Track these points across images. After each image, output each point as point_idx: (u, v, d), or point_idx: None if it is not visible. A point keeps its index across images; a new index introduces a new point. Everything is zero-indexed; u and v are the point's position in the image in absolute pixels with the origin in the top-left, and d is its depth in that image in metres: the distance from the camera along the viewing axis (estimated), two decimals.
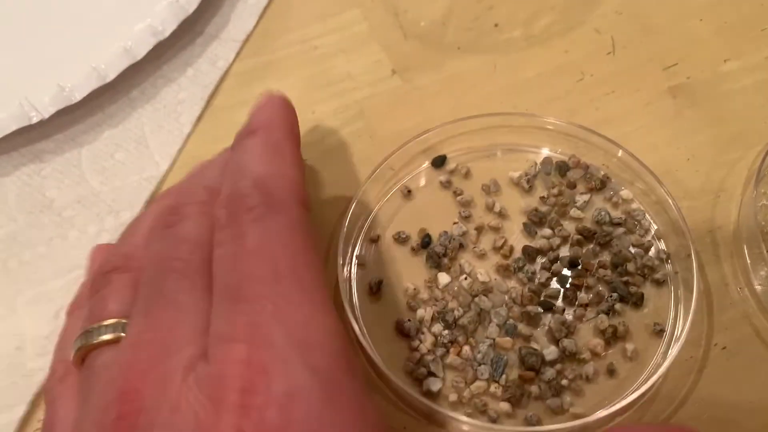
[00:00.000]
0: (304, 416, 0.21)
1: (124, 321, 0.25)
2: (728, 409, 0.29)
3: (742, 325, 0.31)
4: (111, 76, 0.37)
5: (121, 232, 0.34)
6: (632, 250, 0.32)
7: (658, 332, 0.30)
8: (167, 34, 0.38)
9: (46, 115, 0.36)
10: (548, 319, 0.31)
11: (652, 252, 0.32)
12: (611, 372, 0.30)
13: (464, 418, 0.28)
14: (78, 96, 0.36)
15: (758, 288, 0.31)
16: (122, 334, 0.25)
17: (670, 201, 0.32)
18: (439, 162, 0.35)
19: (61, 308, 0.32)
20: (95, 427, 0.22)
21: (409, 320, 0.31)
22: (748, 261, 0.32)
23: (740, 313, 0.31)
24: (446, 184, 0.35)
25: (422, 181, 0.35)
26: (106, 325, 0.25)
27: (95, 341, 0.25)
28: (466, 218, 0.34)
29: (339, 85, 0.39)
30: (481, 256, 0.33)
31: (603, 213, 0.33)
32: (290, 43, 0.40)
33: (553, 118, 0.35)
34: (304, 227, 0.26)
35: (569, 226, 0.33)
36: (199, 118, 0.38)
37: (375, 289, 0.32)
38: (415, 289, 0.32)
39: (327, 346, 0.23)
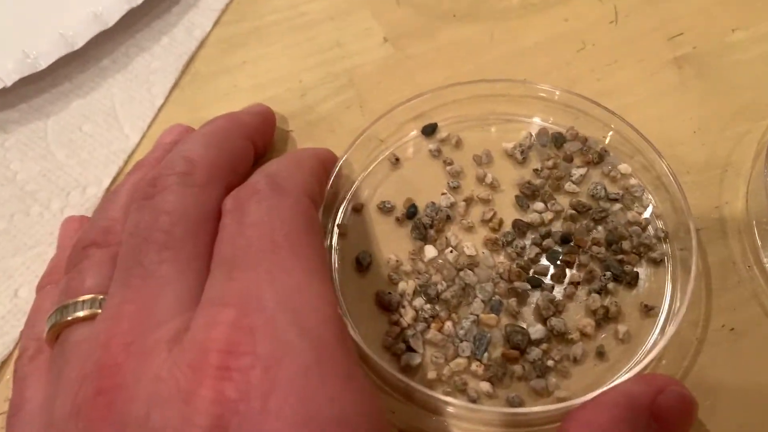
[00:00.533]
0: (291, 378, 0.20)
1: (101, 297, 0.25)
2: (735, 393, 0.28)
3: (751, 305, 0.29)
4: (79, 43, 0.35)
5: (86, 209, 0.33)
6: (629, 228, 0.31)
7: (653, 314, 0.29)
8: (141, 0, 0.36)
9: (9, 83, 0.34)
10: (536, 296, 0.29)
11: (649, 230, 0.31)
12: (600, 354, 0.28)
13: (441, 397, 0.26)
14: (43, 63, 0.35)
15: None
16: (99, 311, 0.24)
17: (670, 176, 0.31)
18: (429, 130, 0.34)
19: (21, 286, 0.31)
20: (70, 404, 0.21)
21: (389, 293, 0.29)
22: (757, 238, 0.30)
23: (749, 293, 0.29)
24: (436, 153, 0.33)
25: (411, 150, 0.34)
26: (83, 301, 0.25)
27: (70, 317, 0.24)
28: (455, 189, 0.32)
29: (327, 53, 0.37)
30: (469, 228, 0.31)
31: (599, 188, 0.31)
32: (276, 9, 0.39)
33: (551, 87, 0.33)
34: (307, 212, 0.26)
35: (563, 201, 0.32)
36: (177, 86, 0.37)
37: (365, 265, 0.30)
38: (397, 261, 0.30)
39: (319, 312, 0.22)
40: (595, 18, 0.37)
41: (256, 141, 0.31)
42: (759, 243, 0.30)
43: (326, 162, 0.31)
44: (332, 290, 0.24)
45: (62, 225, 0.32)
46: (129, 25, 0.37)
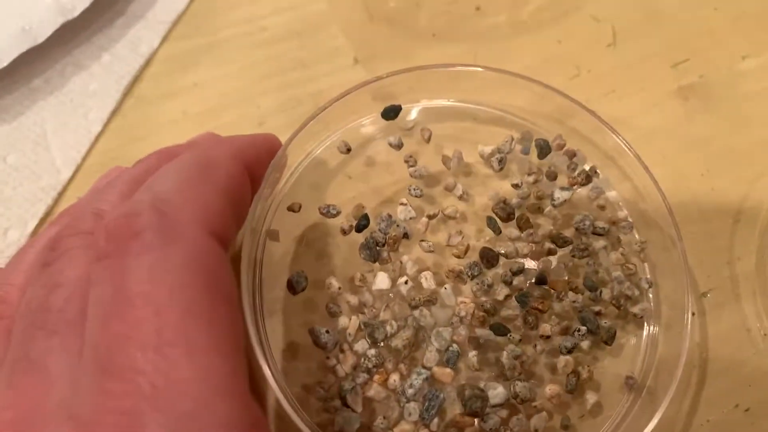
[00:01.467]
0: None
1: None
2: None
3: None
4: (5, 61, 0.30)
5: (7, 256, 0.28)
6: (611, 272, 0.26)
7: (628, 383, 0.25)
8: (77, 12, 0.31)
9: None
10: (500, 348, 0.24)
11: (635, 278, 0.26)
12: (566, 428, 0.24)
13: None
14: None
15: None
16: None
17: (667, 214, 0.26)
18: (391, 114, 0.28)
19: None
20: None
21: (327, 331, 0.24)
22: None
23: (767, 366, 0.26)
24: (397, 147, 0.27)
25: (368, 140, 0.27)
26: None
27: None
28: (418, 198, 0.27)
29: (290, 74, 0.32)
30: (430, 252, 0.26)
31: (585, 220, 0.27)
32: (234, 23, 0.33)
33: (542, 85, 0.28)
34: (207, 268, 0.19)
35: (541, 228, 0.27)
36: (118, 111, 0.31)
37: (299, 290, 0.24)
38: (340, 288, 0.25)
39: None
40: (591, 40, 0.33)
41: None
42: None
43: (254, 161, 0.24)
44: (246, 405, 0.17)
45: None
46: (65, 40, 0.32)
